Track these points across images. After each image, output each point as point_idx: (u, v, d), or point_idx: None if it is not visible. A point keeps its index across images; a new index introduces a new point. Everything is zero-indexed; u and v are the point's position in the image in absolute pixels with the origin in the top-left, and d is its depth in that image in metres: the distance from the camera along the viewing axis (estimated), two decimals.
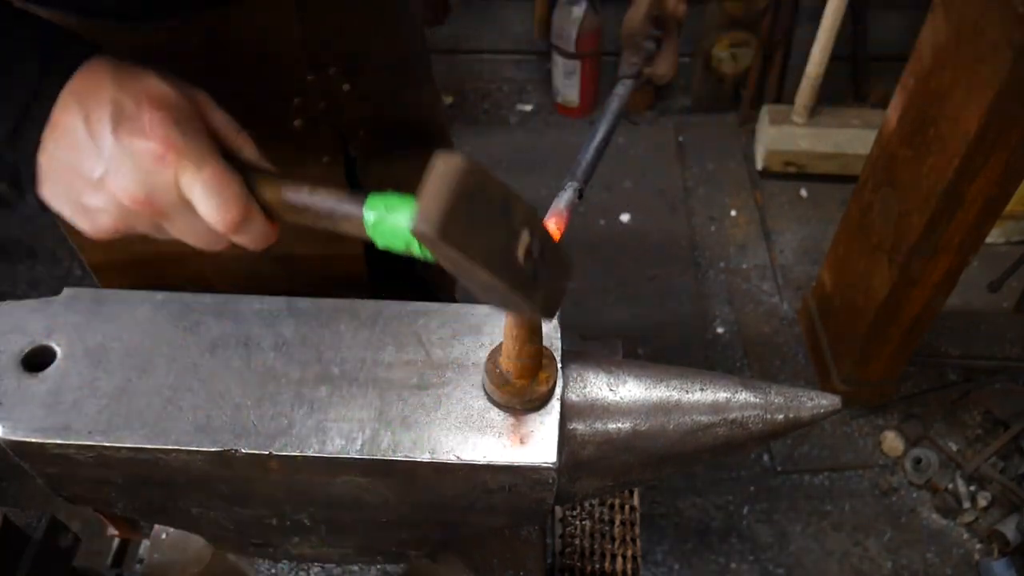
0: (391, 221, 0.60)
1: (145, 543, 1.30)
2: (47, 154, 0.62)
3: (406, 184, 1.21)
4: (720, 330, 2.50)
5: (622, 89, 0.86)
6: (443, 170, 0.49)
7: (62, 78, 0.61)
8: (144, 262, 1.11)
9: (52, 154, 0.62)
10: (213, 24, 0.86)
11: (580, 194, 0.78)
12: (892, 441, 2.23)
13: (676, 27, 0.88)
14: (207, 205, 0.62)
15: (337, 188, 0.65)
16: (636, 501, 1.52)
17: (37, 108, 0.61)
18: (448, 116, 1.32)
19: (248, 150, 0.68)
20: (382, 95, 1.07)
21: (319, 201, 0.64)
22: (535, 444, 0.82)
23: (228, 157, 0.65)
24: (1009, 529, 2.01)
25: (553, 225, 0.74)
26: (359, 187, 1.13)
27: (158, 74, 0.63)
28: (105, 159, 0.60)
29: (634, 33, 0.85)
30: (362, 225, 0.62)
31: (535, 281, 0.56)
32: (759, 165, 2.89)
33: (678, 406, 0.86)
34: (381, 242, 0.61)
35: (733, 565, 2.04)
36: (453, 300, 1.42)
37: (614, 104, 0.85)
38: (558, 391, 0.85)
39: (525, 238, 0.54)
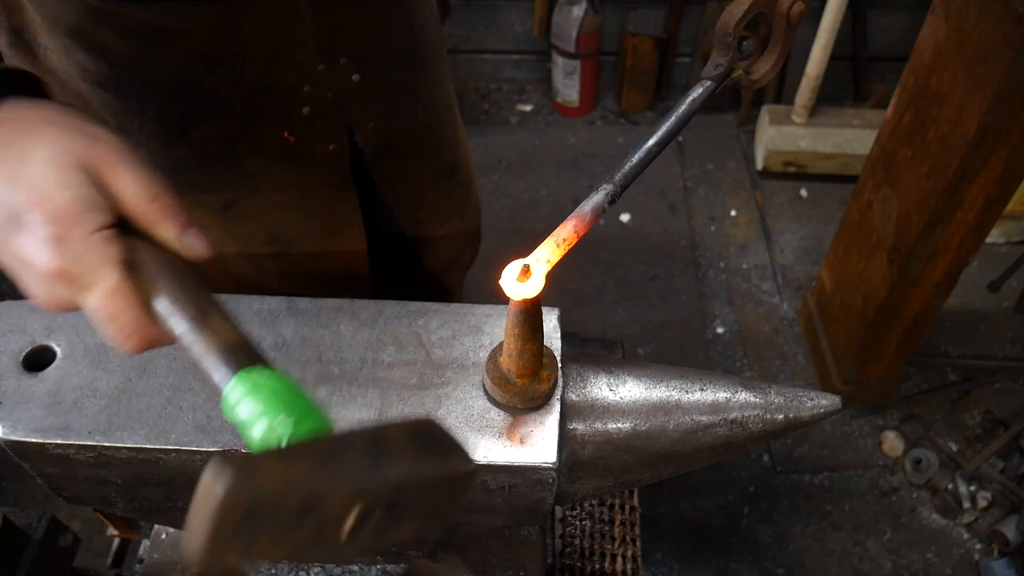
0: (245, 425, 0.52)
1: (145, 543, 1.30)
2: None
3: (415, 182, 1.20)
4: (720, 330, 2.50)
5: (699, 91, 0.77)
6: (203, 498, 0.41)
7: None
8: None
9: None
10: (224, 8, 0.86)
11: (612, 199, 0.73)
12: (892, 441, 2.23)
13: (787, 29, 0.78)
14: (103, 331, 0.57)
15: (234, 332, 0.56)
16: (636, 501, 1.51)
17: None
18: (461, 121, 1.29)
19: (165, 228, 0.58)
20: (392, 90, 1.07)
21: (193, 339, 0.55)
22: (535, 444, 0.82)
23: (141, 235, 0.59)
24: (1009, 529, 2.01)
25: (571, 229, 0.71)
26: (369, 179, 1.14)
27: (53, 151, 0.56)
28: (9, 262, 0.57)
29: (730, 32, 0.75)
30: (219, 391, 0.54)
31: (383, 533, 0.50)
32: (759, 165, 2.88)
33: (678, 406, 0.86)
34: (229, 419, 0.54)
35: (733, 565, 2.04)
36: (459, 296, 1.42)
37: (683, 106, 0.76)
38: (558, 391, 0.85)
39: (351, 518, 0.47)
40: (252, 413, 0.51)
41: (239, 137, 1.01)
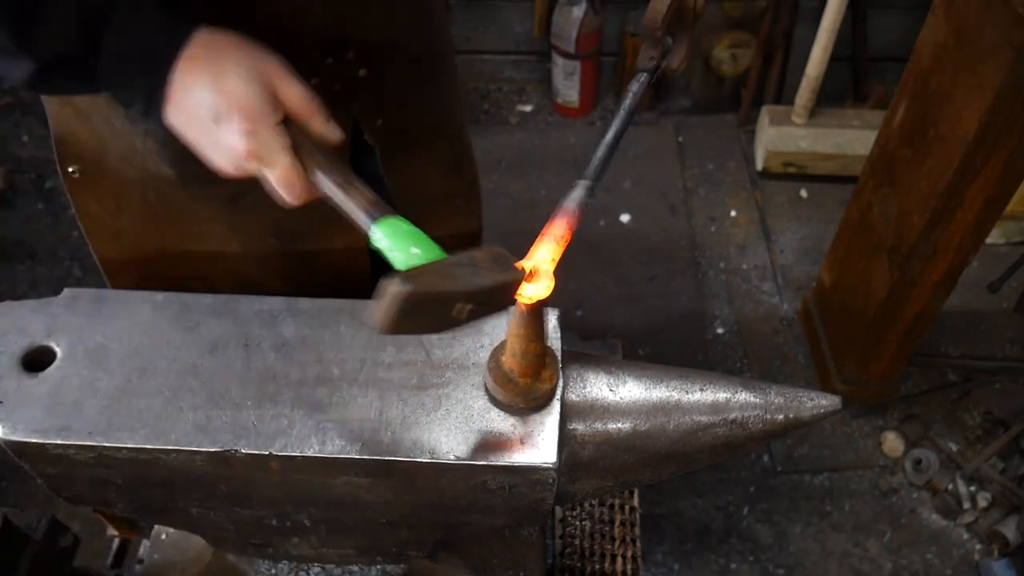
0: (387, 252, 0.76)
1: (145, 543, 1.30)
2: (174, 105, 0.77)
3: (419, 177, 1.21)
4: (720, 330, 2.50)
5: (636, 86, 0.85)
6: (389, 296, 0.64)
7: (176, 48, 0.75)
8: (150, 259, 1.11)
9: (178, 104, 0.77)
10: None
11: (592, 192, 0.79)
12: (892, 441, 2.23)
13: (693, 20, 0.87)
14: (278, 194, 0.80)
15: (368, 189, 0.79)
16: (636, 501, 1.52)
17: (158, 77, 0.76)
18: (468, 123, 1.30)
19: (316, 123, 0.80)
20: (400, 86, 1.08)
21: (344, 198, 0.79)
22: (535, 444, 0.82)
23: (298, 128, 0.80)
24: (1009, 529, 2.01)
25: (563, 226, 0.75)
26: (378, 176, 1.14)
27: (242, 68, 0.76)
28: (209, 142, 0.78)
29: (656, 27, 0.84)
30: (366, 233, 0.77)
31: (477, 316, 0.73)
32: (759, 165, 2.88)
33: (678, 406, 0.86)
34: (375, 247, 0.77)
35: (733, 565, 2.04)
36: None
37: (628, 100, 0.84)
38: (558, 391, 0.85)
39: (460, 309, 0.70)
40: (392, 246, 0.75)
41: None
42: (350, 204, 0.78)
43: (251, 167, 0.79)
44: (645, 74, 0.86)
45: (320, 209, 1.13)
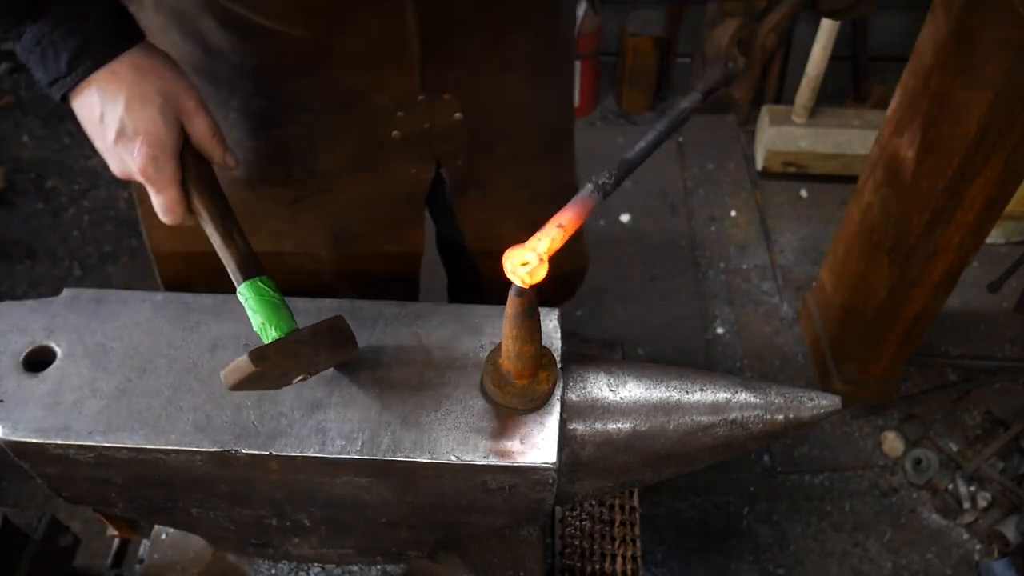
0: (248, 310, 0.83)
1: (145, 543, 1.30)
2: (82, 102, 0.82)
3: (496, 228, 1.15)
4: (720, 330, 2.50)
5: (687, 103, 0.88)
6: (239, 368, 0.75)
7: (95, 64, 0.80)
8: (201, 254, 1.12)
9: (87, 104, 0.82)
10: (325, 20, 0.86)
11: (608, 191, 0.78)
12: (892, 441, 2.23)
13: (762, 56, 0.90)
14: (159, 214, 0.87)
15: (245, 243, 0.86)
16: (636, 501, 1.52)
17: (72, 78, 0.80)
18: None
19: (216, 155, 0.87)
20: (494, 133, 1.03)
21: (221, 246, 0.85)
22: (535, 444, 0.82)
23: (200, 158, 0.87)
24: (1009, 529, 2.01)
25: (570, 216, 0.74)
26: (448, 208, 1.11)
27: (160, 99, 0.81)
28: (104, 147, 0.84)
29: (719, 53, 0.87)
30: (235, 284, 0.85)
31: (307, 379, 0.86)
32: (759, 165, 2.88)
33: (678, 406, 0.86)
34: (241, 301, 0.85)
35: (733, 565, 2.04)
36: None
37: (675, 114, 0.87)
38: (558, 391, 0.85)
39: (300, 378, 0.84)
40: (254, 309, 0.82)
41: (320, 143, 1.00)
42: (225, 253, 0.85)
43: (139, 180, 0.84)
44: (700, 95, 0.88)
45: (384, 222, 1.13)
